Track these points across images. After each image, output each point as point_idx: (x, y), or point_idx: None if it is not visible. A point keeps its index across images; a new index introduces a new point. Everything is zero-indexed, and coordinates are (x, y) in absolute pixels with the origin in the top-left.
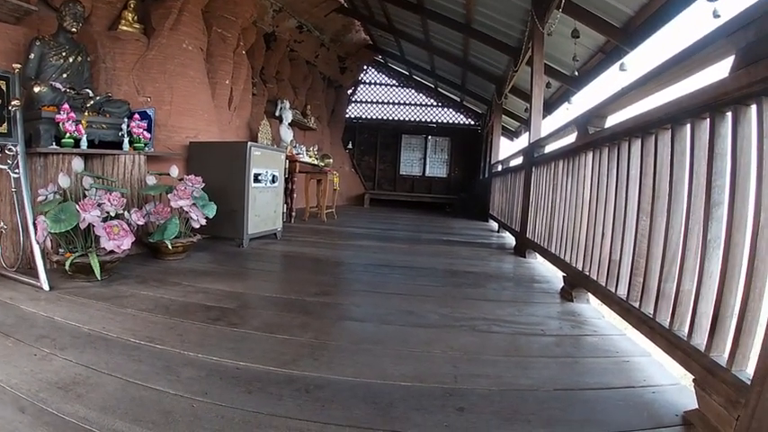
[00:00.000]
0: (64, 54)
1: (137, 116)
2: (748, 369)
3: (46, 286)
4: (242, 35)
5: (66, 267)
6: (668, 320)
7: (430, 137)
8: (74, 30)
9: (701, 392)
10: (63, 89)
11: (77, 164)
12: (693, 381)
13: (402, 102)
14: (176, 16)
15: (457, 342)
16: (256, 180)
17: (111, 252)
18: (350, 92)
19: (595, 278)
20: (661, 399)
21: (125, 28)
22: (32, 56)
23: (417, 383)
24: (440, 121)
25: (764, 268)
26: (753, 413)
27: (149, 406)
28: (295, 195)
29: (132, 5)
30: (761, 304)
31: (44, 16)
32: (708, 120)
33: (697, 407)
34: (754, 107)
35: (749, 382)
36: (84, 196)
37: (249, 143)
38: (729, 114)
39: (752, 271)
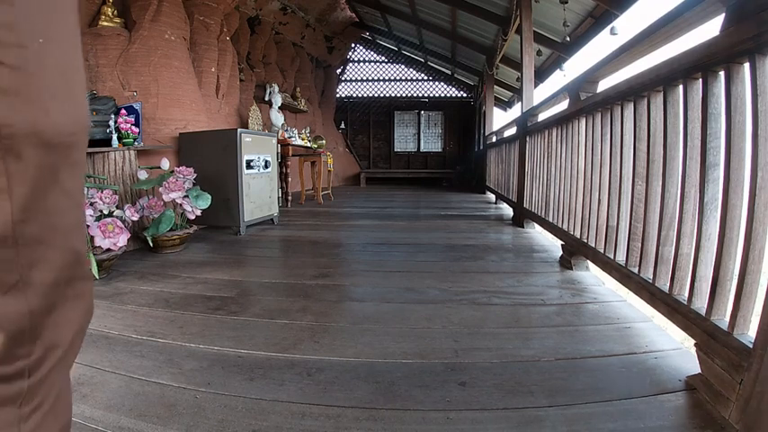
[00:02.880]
0: None
1: (123, 111)
2: (750, 332)
3: None
4: (225, 21)
5: None
6: (668, 285)
7: (423, 112)
8: None
9: (703, 357)
10: None
11: None
12: (695, 345)
13: (392, 78)
14: (156, 7)
15: (457, 316)
16: (249, 166)
17: (108, 250)
18: (339, 71)
19: (593, 245)
20: (663, 364)
21: (105, 23)
22: None
23: (419, 360)
24: (432, 95)
25: (763, 230)
26: (756, 376)
27: (153, 400)
28: (290, 179)
29: (111, 0)
30: (760, 266)
31: None
32: (700, 80)
33: (699, 371)
34: (746, 65)
35: (751, 346)
36: None
37: (239, 130)
38: (722, 73)
39: (750, 232)
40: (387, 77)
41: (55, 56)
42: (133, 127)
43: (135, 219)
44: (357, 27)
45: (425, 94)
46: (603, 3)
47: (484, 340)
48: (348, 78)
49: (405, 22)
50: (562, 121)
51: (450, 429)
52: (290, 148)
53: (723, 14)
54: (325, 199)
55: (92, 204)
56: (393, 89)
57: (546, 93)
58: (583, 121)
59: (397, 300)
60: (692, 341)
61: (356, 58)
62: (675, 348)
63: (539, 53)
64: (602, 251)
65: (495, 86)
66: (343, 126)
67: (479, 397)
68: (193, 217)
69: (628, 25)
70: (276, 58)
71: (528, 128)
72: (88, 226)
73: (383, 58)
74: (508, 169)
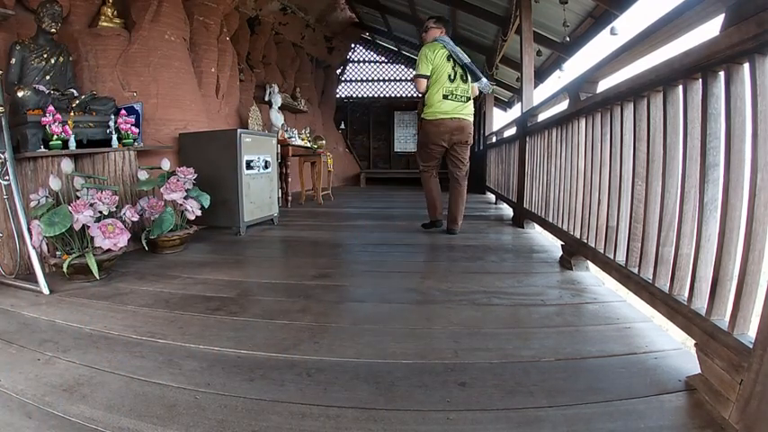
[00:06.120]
0: (45, 56)
1: (123, 112)
2: (750, 332)
3: (46, 290)
4: (224, 21)
5: (65, 270)
6: (668, 285)
7: None
8: (53, 30)
9: (702, 357)
10: (47, 91)
11: (67, 165)
12: (695, 345)
13: (393, 78)
14: (156, 8)
15: (457, 317)
16: (249, 167)
17: (108, 250)
18: (339, 71)
19: (593, 245)
20: (663, 364)
21: (105, 24)
22: (13, 60)
23: (419, 360)
24: None
25: (763, 230)
26: (756, 377)
27: (153, 401)
28: (290, 179)
29: (111, 0)
30: (760, 266)
31: (22, 19)
32: (700, 80)
33: (699, 371)
34: (746, 65)
35: (751, 346)
36: (77, 197)
37: (239, 130)
38: (722, 74)
39: (750, 233)
40: (387, 77)
41: None
42: (133, 127)
43: (135, 219)
44: (357, 27)
45: None
46: (603, 3)
47: (484, 340)
48: (348, 78)
49: (404, 23)
50: (562, 121)
51: (450, 429)
52: (290, 148)
53: (723, 14)
54: (326, 199)
55: (92, 205)
56: (393, 89)
57: (546, 93)
58: (583, 122)
59: (398, 300)
60: (692, 341)
61: (356, 59)
62: (675, 348)
63: (538, 53)
64: (601, 251)
65: (495, 86)
66: (343, 126)
67: (479, 397)
68: (193, 217)
69: (628, 25)
70: (276, 58)
71: (528, 128)
72: (88, 226)
73: (383, 58)
74: (508, 169)
